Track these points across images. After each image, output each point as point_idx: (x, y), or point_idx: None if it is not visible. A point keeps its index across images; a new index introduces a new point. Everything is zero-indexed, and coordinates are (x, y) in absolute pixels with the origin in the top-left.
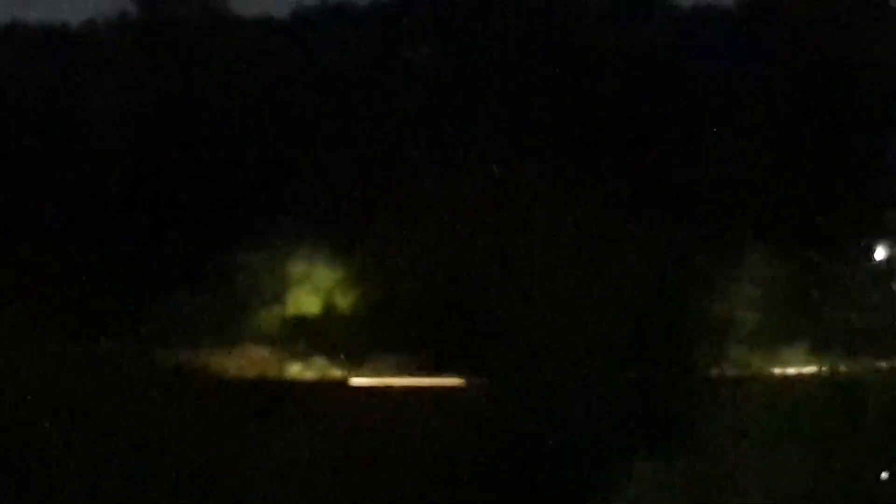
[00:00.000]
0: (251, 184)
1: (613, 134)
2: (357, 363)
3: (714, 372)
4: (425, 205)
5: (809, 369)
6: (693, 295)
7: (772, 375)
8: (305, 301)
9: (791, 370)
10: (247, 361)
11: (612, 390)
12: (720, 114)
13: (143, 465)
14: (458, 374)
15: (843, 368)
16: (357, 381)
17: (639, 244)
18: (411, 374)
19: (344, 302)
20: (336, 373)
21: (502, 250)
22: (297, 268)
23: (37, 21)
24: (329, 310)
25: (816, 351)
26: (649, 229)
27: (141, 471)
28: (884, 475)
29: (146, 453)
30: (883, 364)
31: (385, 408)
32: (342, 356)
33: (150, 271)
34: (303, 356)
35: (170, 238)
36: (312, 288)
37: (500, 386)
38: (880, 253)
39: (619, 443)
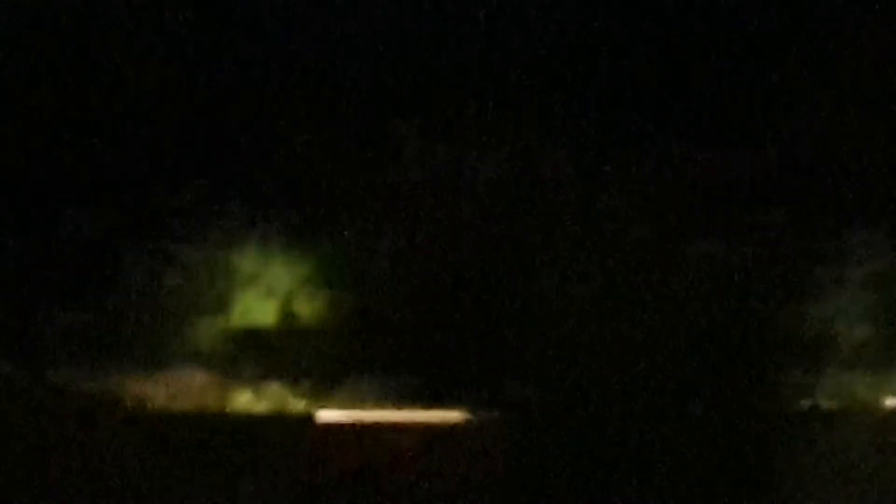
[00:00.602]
0: (185, 153)
1: (668, 93)
2: (325, 392)
3: (806, 404)
4: (417, 182)
5: None
6: (778, 301)
7: (881, 408)
8: (256, 309)
9: None
10: (178, 390)
11: (672, 430)
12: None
13: None
14: (461, 405)
15: None
16: (325, 415)
17: (704, 233)
18: (396, 407)
19: (307, 311)
20: (297, 404)
21: (520, 242)
22: (244, 266)
23: None
24: (287, 321)
25: None
26: (716, 213)
27: None
28: None
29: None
30: None
31: (361, 450)
32: (305, 382)
33: (47, 271)
34: (253, 382)
35: (74, 226)
36: (265, 292)
37: (516, 422)
38: None
39: (682, 499)
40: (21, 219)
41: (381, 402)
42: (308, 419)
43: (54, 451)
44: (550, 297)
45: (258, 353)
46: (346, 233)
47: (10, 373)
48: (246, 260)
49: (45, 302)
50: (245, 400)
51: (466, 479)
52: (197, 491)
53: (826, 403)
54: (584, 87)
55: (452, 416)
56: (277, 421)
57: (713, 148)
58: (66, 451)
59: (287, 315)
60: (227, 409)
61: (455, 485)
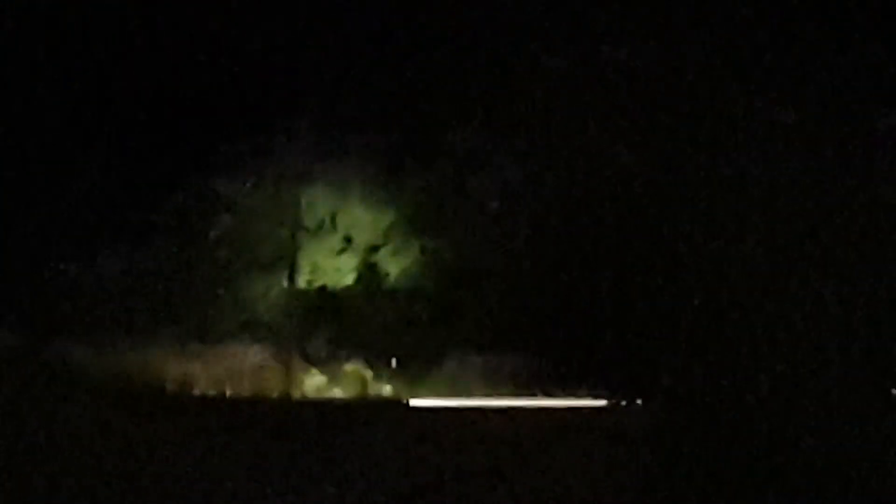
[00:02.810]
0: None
1: None
2: (420, 373)
3: None
4: (543, 98)
5: None
6: None
7: None
8: (328, 269)
9: None
10: (232, 369)
11: (868, 416)
12: None
13: None
14: (593, 390)
15: None
16: (420, 402)
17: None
18: (511, 393)
19: (396, 269)
20: (384, 387)
21: (682, 183)
22: (314, 210)
23: None
24: (371, 283)
25: None
26: None
27: None
28: None
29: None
30: None
31: (468, 446)
32: (394, 361)
33: (62, 215)
34: (326, 361)
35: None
36: (339, 246)
37: (666, 410)
38: None
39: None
40: (31, 146)
41: (491, 386)
42: (399, 405)
43: (76, 443)
44: (715, 260)
45: (332, 324)
46: (443, 167)
47: (17, 346)
48: (317, 203)
49: (60, 255)
50: (316, 383)
51: (599, 479)
52: (255, 494)
53: None
54: None
55: (584, 402)
56: (357, 409)
57: None
58: (90, 444)
59: (370, 277)
60: (294, 395)
61: (586, 486)
